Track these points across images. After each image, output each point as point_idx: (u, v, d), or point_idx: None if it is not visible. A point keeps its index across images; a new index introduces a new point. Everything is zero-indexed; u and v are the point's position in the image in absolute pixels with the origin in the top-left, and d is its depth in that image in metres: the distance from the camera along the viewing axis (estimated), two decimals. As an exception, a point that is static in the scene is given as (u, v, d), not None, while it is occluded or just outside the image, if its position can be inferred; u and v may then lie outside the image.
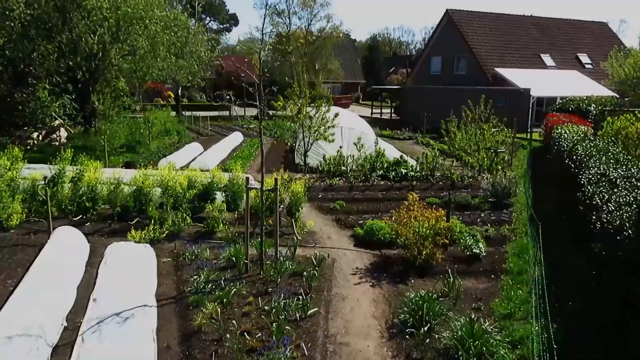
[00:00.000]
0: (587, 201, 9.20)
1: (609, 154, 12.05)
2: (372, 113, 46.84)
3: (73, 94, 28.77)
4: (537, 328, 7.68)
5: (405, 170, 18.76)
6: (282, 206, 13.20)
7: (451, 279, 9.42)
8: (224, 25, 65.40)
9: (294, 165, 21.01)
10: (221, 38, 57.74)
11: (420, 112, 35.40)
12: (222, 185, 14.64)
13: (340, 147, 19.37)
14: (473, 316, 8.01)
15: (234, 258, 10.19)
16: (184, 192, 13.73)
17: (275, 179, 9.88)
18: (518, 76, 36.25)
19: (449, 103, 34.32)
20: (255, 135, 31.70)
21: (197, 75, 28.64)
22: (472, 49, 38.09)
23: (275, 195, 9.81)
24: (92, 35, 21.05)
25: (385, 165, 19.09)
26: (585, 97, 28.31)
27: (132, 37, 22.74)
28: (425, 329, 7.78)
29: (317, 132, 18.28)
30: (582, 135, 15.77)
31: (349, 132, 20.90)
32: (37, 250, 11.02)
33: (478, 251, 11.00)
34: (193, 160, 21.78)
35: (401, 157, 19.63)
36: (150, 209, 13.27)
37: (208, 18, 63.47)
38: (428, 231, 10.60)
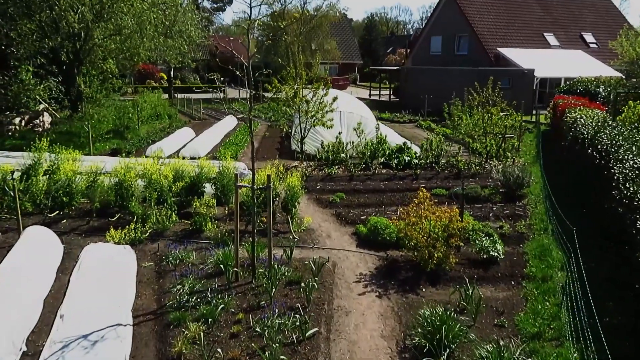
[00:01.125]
0: (626, 201, 7.94)
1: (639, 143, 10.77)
2: (370, 95, 45.33)
3: (60, 77, 27.24)
4: (575, 356, 6.47)
5: (409, 158, 17.45)
6: (277, 200, 11.94)
7: (469, 290, 8.20)
8: (218, 5, 63.28)
9: (290, 152, 19.69)
10: (215, 18, 55.52)
11: (421, 93, 33.97)
12: (212, 176, 13.33)
13: (340, 133, 18.02)
14: (497, 338, 6.82)
15: (222, 266, 8.92)
16: (169, 185, 12.41)
17: (268, 176, 8.57)
18: (521, 56, 34.75)
19: (450, 84, 32.94)
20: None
21: (187, 56, 27.05)
22: (473, 28, 36.49)
23: (268, 195, 8.52)
24: (73, 13, 19.46)
25: (387, 152, 17.77)
26: (593, 79, 26.93)
27: (117, 15, 21.14)
28: (445, 356, 6.58)
29: (314, 118, 16.91)
30: (602, 121, 14.45)
31: (348, 117, 19.52)
32: (4, 252, 9.75)
33: (496, 254, 9.77)
34: (183, 146, 20.41)
35: (404, 144, 18.30)
36: (133, 204, 11.97)
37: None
38: (440, 232, 9.36)
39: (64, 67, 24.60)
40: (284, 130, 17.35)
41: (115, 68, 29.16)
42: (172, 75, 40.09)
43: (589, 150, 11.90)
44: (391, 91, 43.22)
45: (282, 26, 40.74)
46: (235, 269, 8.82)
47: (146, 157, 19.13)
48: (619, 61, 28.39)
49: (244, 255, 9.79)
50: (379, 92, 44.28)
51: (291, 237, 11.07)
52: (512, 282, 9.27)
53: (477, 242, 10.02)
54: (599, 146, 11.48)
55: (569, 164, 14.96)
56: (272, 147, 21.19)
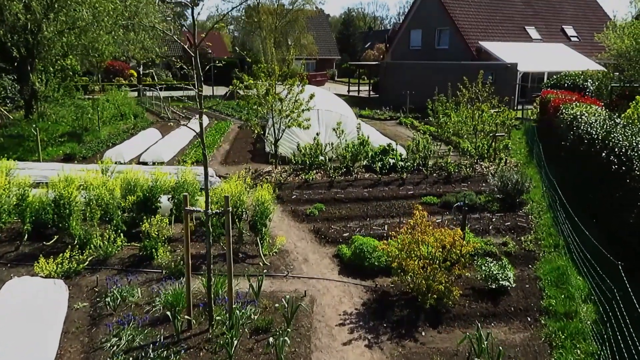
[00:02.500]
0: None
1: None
2: (349, 91, 43.46)
3: (15, 74, 24.77)
4: None
5: (394, 161, 15.65)
6: (246, 214, 10.03)
7: (482, 338, 6.41)
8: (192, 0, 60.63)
9: (264, 155, 17.74)
10: (186, 11, 53.01)
11: (402, 89, 32.24)
12: (169, 188, 11.30)
13: (317, 133, 16.12)
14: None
15: (169, 313, 6.95)
16: (115, 201, 10.35)
17: (226, 197, 6.64)
18: (504, 50, 33.27)
19: (432, 79, 31.22)
20: (223, 118, 28.16)
21: (152, 51, 24.77)
22: (454, 21, 34.87)
23: (227, 222, 6.59)
24: (17, 2, 17.14)
25: (370, 154, 15.95)
26: (580, 72, 25.53)
27: (70, 6, 18.83)
28: None
29: (289, 118, 14.97)
30: (609, 119, 12.84)
31: (326, 116, 17.62)
32: None
33: (507, 283, 8.01)
34: (146, 150, 18.26)
35: (389, 145, 16.48)
36: (74, 224, 9.91)
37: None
38: (441, 258, 7.57)
39: (16, 64, 22.14)
40: (256, 131, 15.34)
41: (78, 65, 26.76)
42: (141, 72, 37.59)
43: (603, 154, 10.23)
44: (370, 87, 41.43)
45: (256, 20, 38.73)
46: (187, 316, 6.86)
47: (102, 162, 17.12)
48: (606, 54, 27.04)
49: (201, 290, 7.87)
50: (358, 88, 42.46)
51: (261, 263, 9.16)
52: (529, 319, 7.53)
53: (483, 267, 8.24)
54: (616, 149, 9.81)
55: (571, 167, 13.33)
56: (244, 150, 19.19)
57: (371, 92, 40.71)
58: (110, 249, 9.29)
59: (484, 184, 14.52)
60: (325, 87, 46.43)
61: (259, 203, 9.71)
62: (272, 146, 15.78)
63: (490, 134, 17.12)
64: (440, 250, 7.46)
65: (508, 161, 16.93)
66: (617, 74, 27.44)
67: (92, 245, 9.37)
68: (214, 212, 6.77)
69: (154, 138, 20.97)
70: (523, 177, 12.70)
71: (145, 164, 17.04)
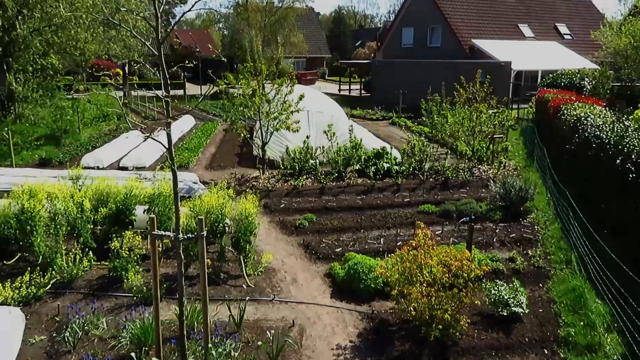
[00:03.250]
0: None
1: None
2: (339, 90, 42.49)
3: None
4: None
5: (388, 165, 14.71)
6: (228, 227, 9.05)
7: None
8: (180, -3, 59.09)
9: (252, 159, 16.70)
10: (174, 9, 51.72)
11: (394, 88, 31.31)
12: (146, 198, 10.27)
13: (307, 136, 15.12)
14: None
15: (133, 354, 5.95)
16: (84, 214, 9.31)
17: (200, 220, 5.66)
18: (497, 48, 32.46)
19: (425, 78, 30.34)
20: (210, 118, 27.07)
21: (134, 50, 23.62)
22: (447, 19, 34.00)
23: (201, 248, 5.61)
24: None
25: (363, 158, 15.00)
26: (577, 71, 24.75)
27: (46, 2, 17.68)
28: None
29: (277, 120, 13.97)
30: (618, 121, 11.99)
31: (317, 118, 16.63)
32: None
33: (520, 310, 7.09)
34: (127, 154, 17.16)
35: (383, 148, 15.52)
36: (38, 240, 8.85)
37: (161, -12, 57.17)
38: (447, 283, 6.63)
39: (-9, 63, 20.93)
40: (242, 135, 14.31)
41: (59, 64, 25.52)
42: (126, 71, 36.34)
43: (617, 161, 9.35)
44: (362, 86, 40.50)
45: (245, 18, 37.67)
46: (155, 358, 5.87)
47: (83, 168, 16.04)
48: (602, 52, 26.30)
49: (175, 321, 6.87)
50: (349, 87, 41.50)
51: (244, 285, 8.18)
52: (546, 351, 6.62)
53: (492, 291, 7.32)
54: (633, 156, 8.94)
55: (577, 172, 12.46)
56: (230, 153, 18.16)
57: (362, 91, 39.79)
58: (75, 271, 8.26)
59: (484, 190, 13.64)
60: (315, 86, 45.44)
61: (243, 217, 8.73)
62: (260, 150, 14.77)
63: (488, 136, 16.25)
64: (446, 274, 6.52)
65: (507, 164, 16.06)
66: (613, 72, 26.75)
67: (56, 265, 8.34)
68: (185, 237, 5.78)
69: (137, 140, 19.86)
70: (527, 184, 11.81)
71: (125, 169, 15.99)
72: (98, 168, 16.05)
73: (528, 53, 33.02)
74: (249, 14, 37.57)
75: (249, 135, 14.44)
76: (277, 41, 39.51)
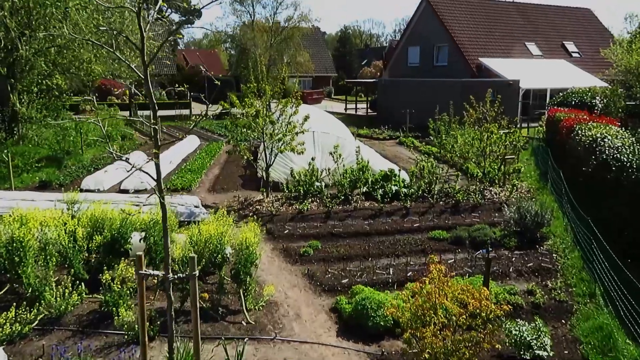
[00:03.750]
0: None
1: None
2: (346, 109, 42.18)
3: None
4: None
5: (396, 188, 14.15)
6: (228, 257, 8.51)
7: None
8: (187, 17, 59.48)
9: (256, 180, 16.19)
10: (179, 29, 51.83)
11: (400, 107, 30.92)
12: (143, 225, 9.75)
13: (313, 158, 14.63)
14: None
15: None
16: (76, 244, 8.79)
17: (191, 259, 5.11)
18: (505, 66, 32.04)
19: (432, 97, 29.88)
20: (215, 138, 26.68)
21: (139, 70, 23.34)
22: (453, 38, 33.69)
23: (192, 290, 5.05)
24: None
25: (371, 180, 14.44)
26: (588, 89, 24.22)
27: (49, 23, 17.47)
28: None
29: (281, 142, 13.49)
30: (633, 142, 11.41)
31: (323, 139, 16.16)
32: None
33: (544, 354, 6.44)
34: (128, 176, 16.69)
35: (391, 170, 14.98)
36: (28, 271, 8.33)
37: (169, 10, 57.61)
38: (464, 326, 6.01)
39: (-5, 84, 20.71)
40: (245, 157, 13.81)
41: (65, 84, 25.33)
42: (132, 91, 36.19)
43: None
44: (368, 105, 40.13)
45: (251, 38, 37.62)
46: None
47: (80, 190, 15.61)
48: (613, 70, 25.78)
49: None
50: (356, 105, 41.15)
51: (244, 322, 7.59)
52: (575, 402, 5.96)
53: (513, 331, 6.68)
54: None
55: (595, 196, 11.84)
56: (234, 175, 17.66)
57: (369, 110, 39.42)
58: (64, 306, 7.71)
59: (496, 214, 13.03)
60: (322, 105, 45.18)
61: (243, 247, 8.17)
62: (264, 172, 14.26)
63: (499, 157, 15.68)
64: (463, 315, 5.91)
65: (519, 186, 15.45)
66: (624, 90, 26.21)
67: (44, 301, 7.80)
68: (175, 277, 5.23)
69: (140, 162, 19.42)
70: (543, 208, 11.20)
71: (126, 191, 15.52)
72: (99, 191, 15.61)
73: (536, 71, 32.57)
74: (254, 34, 37.49)
75: (252, 158, 13.95)
76: (283, 60, 39.37)
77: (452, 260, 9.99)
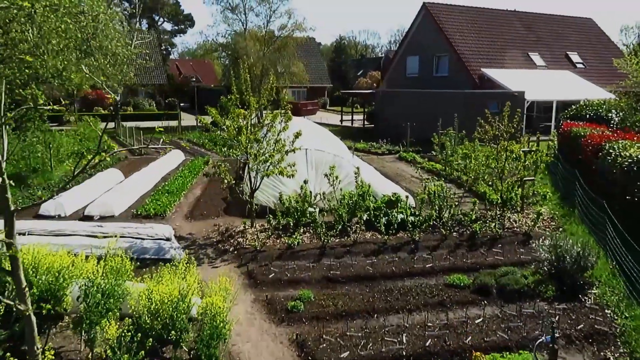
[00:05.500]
0: None
1: None
2: (341, 120, 40.12)
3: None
4: None
5: (402, 216, 11.97)
6: (194, 315, 6.26)
7: None
8: (179, 27, 57.50)
9: (242, 204, 13.86)
10: (174, 39, 49.85)
11: (399, 120, 28.88)
12: (87, 275, 7.49)
13: (306, 181, 12.43)
14: None
15: None
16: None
17: None
18: (508, 77, 30.08)
19: (432, 109, 27.84)
20: (203, 153, 24.42)
21: (115, 79, 21.16)
22: (454, 47, 31.73)
23: None
24: None
25: (372, 206, 12.22)
26: (602, 102, 22.23)
27: (7, 26, 15.23)
28: None
29: (268, 163, 11.29)
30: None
31: (317, 158, 13.96)
32: None
33: None
34: (93, 200, 14.36)
35: (396, 196, 12.79)
36: None
37: (161, 19, 55.59)
38: None
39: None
40: (226, 181, 11.56)
41: (41, 94, 23.01)
42: (118, 101, 33.96)
43: None
44: (365, 116, 38.08)
45: (243, 47, 35.50)
46: None
47: (38, 217, 13.35)
48: (629, 82, 23.84)
49: None
50: (352, 117, 39.09)
51: None
52: None
53: None
54: None
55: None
56: (218, 197, 15.41)
57: (365, 122, 37.37)
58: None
59: (521, 250, 10.87)
60: (316, 117, 43.10)
61: (208, 317, 5.94)
62: (249, 198, 12.02)
63: (518, 179, 13.55)
64: None
65: (544, 212, 13.28)
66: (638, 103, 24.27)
67: None
68: None
69: (115, 180, 17.17)
70: (586, 248, 9.02)
71: (90, 218, 13.26)
72: (59, 217, 13.35)
73: (541, 82, 30.64)
74: (247, 43, 35.38)
75: (233, 182, 11.71)
76: (277, 70, 37.28)
77: (480, 319, 7.79)
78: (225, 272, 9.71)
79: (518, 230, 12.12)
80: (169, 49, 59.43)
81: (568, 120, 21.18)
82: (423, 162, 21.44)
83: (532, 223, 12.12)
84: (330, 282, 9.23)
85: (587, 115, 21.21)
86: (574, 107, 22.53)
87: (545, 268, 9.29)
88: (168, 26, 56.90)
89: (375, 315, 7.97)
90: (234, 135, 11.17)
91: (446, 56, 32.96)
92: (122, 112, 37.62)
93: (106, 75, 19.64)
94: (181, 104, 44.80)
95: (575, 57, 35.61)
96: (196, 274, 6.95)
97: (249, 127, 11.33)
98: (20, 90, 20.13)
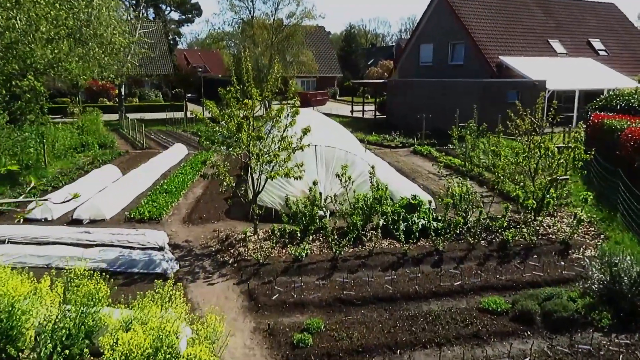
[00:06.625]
0: None
1: None
2: (352, 111, 38.55)
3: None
4: None
5: (424, 222, 10.52)
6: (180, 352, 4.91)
7: None
8: (186, 16, 55.94)
9: (245, 205, 12.52)
10: (182, 29, 48.37)
11: (412, 110, 27.34)
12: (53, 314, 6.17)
13: (315, 182, 11.00)
14: None
15: None
16: None
17: None
18: (528, 65, 28.28)
19: (447, 99, 26.29)
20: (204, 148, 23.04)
21: (110, 70, 19.75)
22: (471, 34, 29.91)
23: None
24: None
25: (390, 210, 10.74)
26: (633, 91, 20.48)
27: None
28: None
29: (272, 164, 9.87)
30: None
31: (327, 155, 12.50)
32: None
33: None
34: (83, 202, 13.03)
35: (416, 198, 11.33)
36: None
37: (167, 8, 54.09)
38: None
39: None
40: (225, 183, 10.17)
41: (40, 85, 21.82)
42: (121, 92, 32.66)
43: None
44: (376, 107, 36.47)
45: (251, 36, 34.05)
46: None
47: (23, 221, 12.07)
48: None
49: None
50: (362, 108, 37.49)
51: None
52: None
53: None
54: None
55: None
56: (220, 197, 14.04)
57: (377, 113, 35.78)
58: None
59: (562, 263, 9.40)
60: (326, 107, 41.57)
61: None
62: (251, 202, 10.63)
63: (552, 178, 12.02)
64: None
65: (579, 215, 11.75)
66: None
67: None
68: None
69: (111, 178, 15.88)
70: (646, 267, 7.54)
71: (79, 222, 11.97)
72: (45, 220, 12.07)
73: (562, 71, 28.80)
74: (254, 31, 33.87)
75: (233, 185, 10.31)
76: (285, 59, 35.77)
77: (527, 357, 6.36)
78: (222, 290, 8.42)
79: (554, 237, 10.63)
80: (176, 39, 57.99)
81: (597, 112, 19.50)
82: (440, 156, 19.90)
83: (571, 230, 10.61)
84: (343, 304, 7.85)
85: (618, 106, 19.47)
86: (602, 96, 20.82)
87: (594, 287, 7.83)
88: (175, 15, 55.41)
89: (399, 351, 6.58)
90: (234, 132, 9.76)
91: (462, 43, 31.17)
92: (127, 103, 36.33)
93: (101, 66, 18.26)
94: (188, 95, 43.45)
95: (597, 44, 33.63)
96: (185, 307, 5.58)
97: (251, 123, 9.91)
98: (17, 81, 18.91)
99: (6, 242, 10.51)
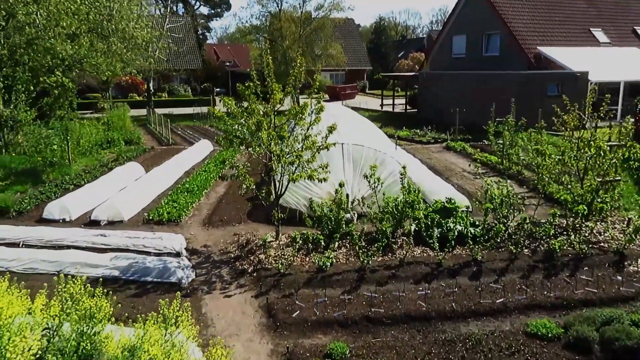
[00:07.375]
0: None
1: None
2: (382, 105, 37.42)
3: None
4: None
5: (461, 228, 9.54)
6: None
7: None
8: (215, 10, 55.62)
9: (267, 207, 11.80)
10: (211, 24, 48.03)
11: (444, 104, 26.17)
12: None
13: (341, 184, 10.13)
14: None
15: None
16: None
17: None
18: (568, 56, 26.60)
19: (482, 93, 24.95)
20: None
21: (133, 65, 19.30)
22: (507, 24, 28.36)
23: None
24: None
25: (422, 214, 9.78)
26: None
27: (13, 5, 13.55)
28: None
29: (296, 164, 9.07)
30: None
31: (355, 153, 11.60)
32: None
33: None
34: (102, 203, 12.51)
35: (451, 202, 10.34)
36: None
37: (197, 3, 53.88)
38: None
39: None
40: (245, 186, 9.43)
41: (69, 81, 21.60)
42: (150, 87, 32.44)
43: None
44: (407, 100, 35.25)
45: (279, 29, 33.30)
46: None
47: (40, 221, 11.68)
48: None
49: None
50: (393, 102, 36.30)
51: None
52: None
53: None
54: None
55: None
56: (242, 197, 13.32)
57: (407, 107, 34.58)
58: None
59: (617, 275, 8.30)
60: (355, 101, 40.51)
61: None
62: (274, 205, 9.86)
63: (604, 180, 10.82)
64: None
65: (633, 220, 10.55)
66: None
67: None
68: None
69: (133, 176, 15.40)
70: None
71: (97, 223, 11.46)
72: (63, 221, 11.62)
73: (605, 61, 27.01)
74: (282, 24, 33.10)
75: (254, 187, 9.55)
76: (314, 53, 34.92)
77: (586, 398, 5.39)
78: (239, 303, 7.69)
79: (606, 246, 9.51)
80: (205, 34, 57.78)
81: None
82: (475, 153, 18.73)
83: (626, 238, 9.45)
84: (371, 323, 7.00)
85: (671, 99, 17.87)
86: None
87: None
88: (205, 10, 55.16)
89: (435, 384, 5.71)
90: (254, 131, 8.99)
91: (497, 34, 29.62)
92: (156, 98, 36.19)
93: (124, 61, 17.81)
94: (217, 89, 43.13)
95: (643, 33, 31.52)
96: (193, 331, 4.83)
97: (272, 120, 9.13)
98: (45, 78, 18.57)
99: (21, 244, 10.08)
